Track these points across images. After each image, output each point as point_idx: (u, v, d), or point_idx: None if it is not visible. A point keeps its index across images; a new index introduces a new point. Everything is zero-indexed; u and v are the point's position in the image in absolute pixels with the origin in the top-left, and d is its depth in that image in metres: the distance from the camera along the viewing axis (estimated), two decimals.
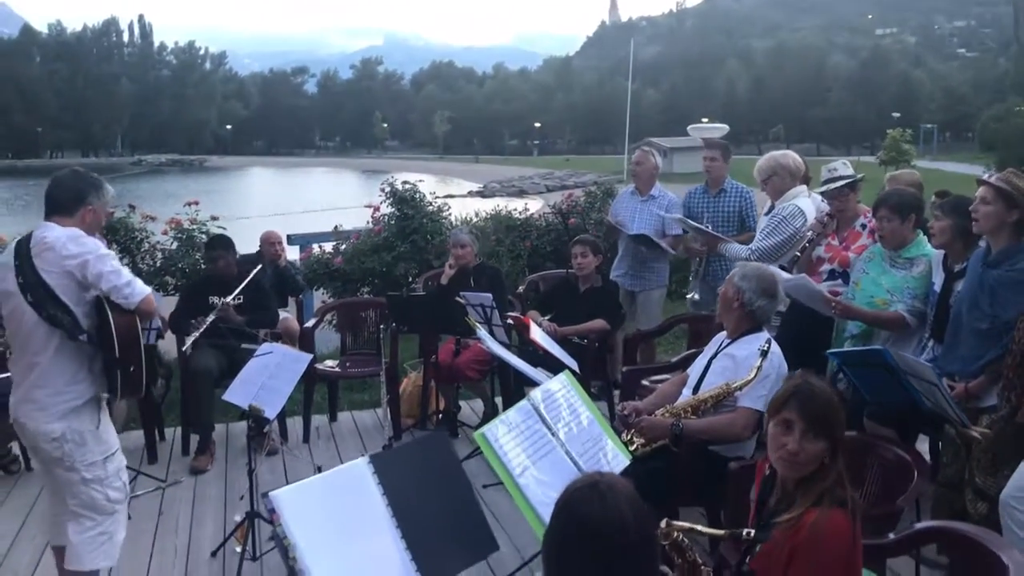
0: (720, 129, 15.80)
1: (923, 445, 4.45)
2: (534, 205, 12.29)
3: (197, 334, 5.45)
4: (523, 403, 2.95)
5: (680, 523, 2.37)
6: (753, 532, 2.37)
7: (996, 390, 3.67)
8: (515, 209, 10.59)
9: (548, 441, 2.85)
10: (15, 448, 5.47)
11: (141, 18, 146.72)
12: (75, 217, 3.47)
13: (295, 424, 6.09)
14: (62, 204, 3.47)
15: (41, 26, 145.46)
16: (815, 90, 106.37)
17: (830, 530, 2.27)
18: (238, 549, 4.09)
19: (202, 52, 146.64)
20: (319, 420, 6.24)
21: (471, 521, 2.42)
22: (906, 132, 43.04)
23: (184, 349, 5.58)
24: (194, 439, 5.65)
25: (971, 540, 2.49)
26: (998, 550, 2.39)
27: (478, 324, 4.38)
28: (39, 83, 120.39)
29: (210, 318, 5.50)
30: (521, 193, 50.01)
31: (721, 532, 2.50)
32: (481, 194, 50.67)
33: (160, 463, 5.57)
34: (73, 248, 3.31)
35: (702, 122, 66.38)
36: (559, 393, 3.09)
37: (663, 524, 2.34)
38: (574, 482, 1.86)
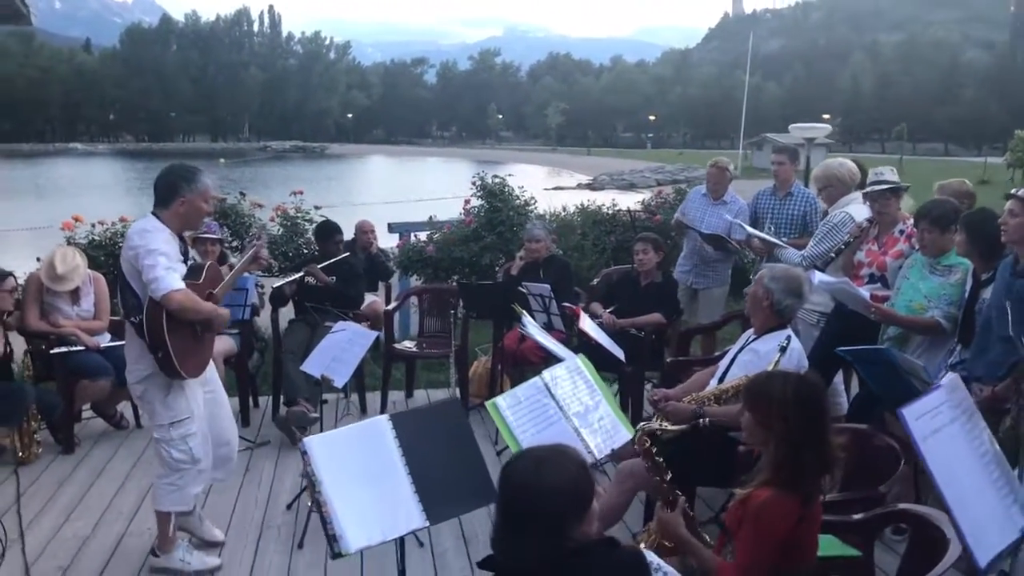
0: (822, 129, 15.50)
1: None
2: (628, 200, 12.53)
3: (284, 281, 6.19)
4: (535, 380, 3.37)
5: (651, 424, 2.85)
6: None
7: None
8: (603, 204, 10.92)
9: (555, 413, 3.26)
10: (125, 409, 6.21)
11: (271, 9, 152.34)
12: (170, 209, 3.90)
13: (374, 399, 6.63)
14: (160, 197, 3.94)
15: (179, 15, 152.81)
16: (945, 87, 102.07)
17: (773, 509, 2.61)
18: (309, 503, 4.63)
19: (327, 42, 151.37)
20: (397, 396, 6.77)
21: (474, 474, 2.84)
22: None
23: (276, 287, 6.42)
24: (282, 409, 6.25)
25: (924, 519, 2.78)
26: (943, 527, 2.67)
27: (523, 311, 4.79)
28: (175, 70, 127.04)
29: (299, 274, 6.20)
30: (631, 186, 49.87)
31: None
32: (591, 186, 50.79)
33: (252, 426, 6.20)
34: (136, 240, 3.77)
35: (822, 119, 64.68)
36: (570, 373, 3.49)
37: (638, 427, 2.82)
38: (538, 446, 2.22)
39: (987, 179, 37.10)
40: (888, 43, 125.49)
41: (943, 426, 2.40)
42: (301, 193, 9.46)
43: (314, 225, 8.16)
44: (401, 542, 2.86)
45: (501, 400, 3.20)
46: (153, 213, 3.94)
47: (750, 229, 6.29)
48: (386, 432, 2.79)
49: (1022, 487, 2.60)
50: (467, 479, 2.83)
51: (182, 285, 3.76)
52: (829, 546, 3.28)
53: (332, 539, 2.55)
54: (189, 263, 4.04)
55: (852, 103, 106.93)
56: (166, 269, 3.71)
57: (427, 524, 2.71)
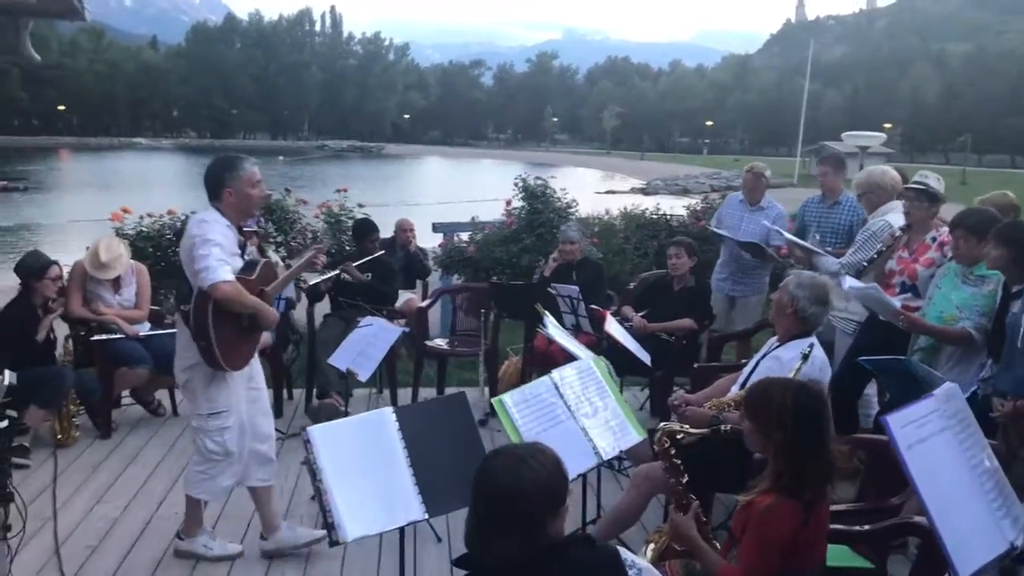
0: (876, 137, 15.25)
1: None
2: (679, 205, 12.48)
3: (321, 278, 6.28)
4: (544, 379, 3.38)
5: (672, 425, 2.99)
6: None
7: None
8: (646, 209, 10.90)
9: (563, 413, 3.27)
10: (163, 398, 6.37)
11: (333, 9, 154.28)
12: (221, 200, 3.97)
13: (406, 395, 6.69)
14: (209, 191, 4.02)
15: (243, 14, 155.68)
16: (1014, 97, 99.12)
17: (774, 515, 2.61)
18: None
19: (387, 43, 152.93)
20: (428, 392, 6.82)
21: (475, 468, 2.86)
22: None
23: (312, 284, 6.56)
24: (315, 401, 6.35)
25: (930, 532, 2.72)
26: None
27: (545, 312, 4.80)
28: (238, 69, 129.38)
29: (335, 272, 6.31)
30: (685, 192, 49.49)
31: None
32: (644, 191, 50.54)
33: (285, 418, 6.30)
34: (194, 230, 3.86)
35: (883, 127, 63.66)
36: (580, 374, 3.50)
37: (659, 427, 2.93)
38: (513, 445, 2.24)
39: None
40: (955, 52, 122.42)
41: (931, 435, 2.36)
42: (345, 191, 9.60)
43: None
44: (401, 534, 2.89)
45: (507, 397, 3.21)
46: (212, 205, 4.02)
47: (788, 236, 6.22)
48: (390, 424, 2.84)
49: (1020, 503, 2.54)
50: (469, 473, 2.84)
51: (231, 277, 3.80)
52: (841, 557, 3.25)
53: (330, 527, 2.60)
54: (246, 258, 4.11)
55: (915, 112, 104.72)
56: (217, 260, 3.76)
57: (426, 516, 2.74)
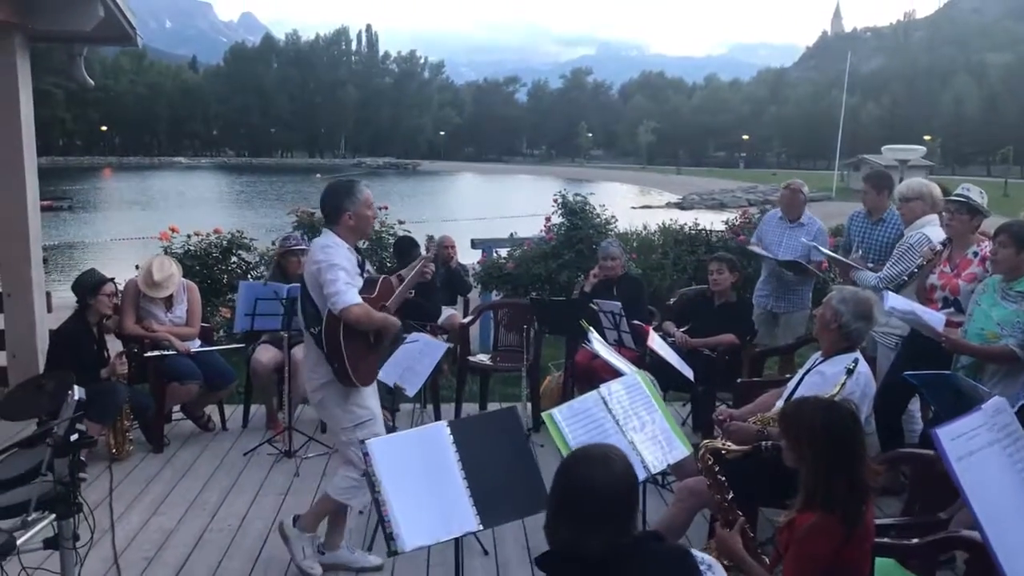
0: (917, 150, 15.13)
1: None
2: (716, 220, 12.49)
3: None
4: (593, 393, 3.45)
5: (714, 442, 3.05)
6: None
7: None
8: (684, 224, 10.91)
9: (611, 427, 3.34)
10: (212, 413, 6.52)
11: (368, 28, 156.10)
12: (341, 225, 4.07)
13: (449, 410, 6.77)
14: (328, 216, 4.14)
15: (280, 35, 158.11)
16: None
17: (815, 532, 2.66)
18: None
19: (422, 61, 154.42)
20: (471, 408, 6.90)
21: (528, 481, 2.94)
22: None
23: None
24: None
25: (982, 546, 2.74)
26: None
27: (589, 328, 4.86)
28: (275, 88, 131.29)
29: None
30: (721, 206, 49.41)
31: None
32: (680, 206, 50.48)
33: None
34: (319, 255, 3.96)
35: (924, 139, 62.98)
36: (627, 388, 3.56)
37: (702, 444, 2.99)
38: (590, 445, 2.31)
39: None
40: (995, 63, 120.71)
41: (980, 448, 2.39)
42: (386, 208, 9.72)
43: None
44: (457, 545, 2.97)
45: (558, 412, 3.29)
46: (329, 229, 4.13)
47: (826, 251, 6.23)
48: (444, 438, 2.92)
49: None
50: (522, 485, 2.93)
51: (359, 299, 3.93)
52: (889, 571, 3.26)
53: (389, 537, 2.68)
54: (364, 276, 4.20)
55: (956, 124, 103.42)
56: (346, 284, 3.89)
57: (481, 528, 2.82)
